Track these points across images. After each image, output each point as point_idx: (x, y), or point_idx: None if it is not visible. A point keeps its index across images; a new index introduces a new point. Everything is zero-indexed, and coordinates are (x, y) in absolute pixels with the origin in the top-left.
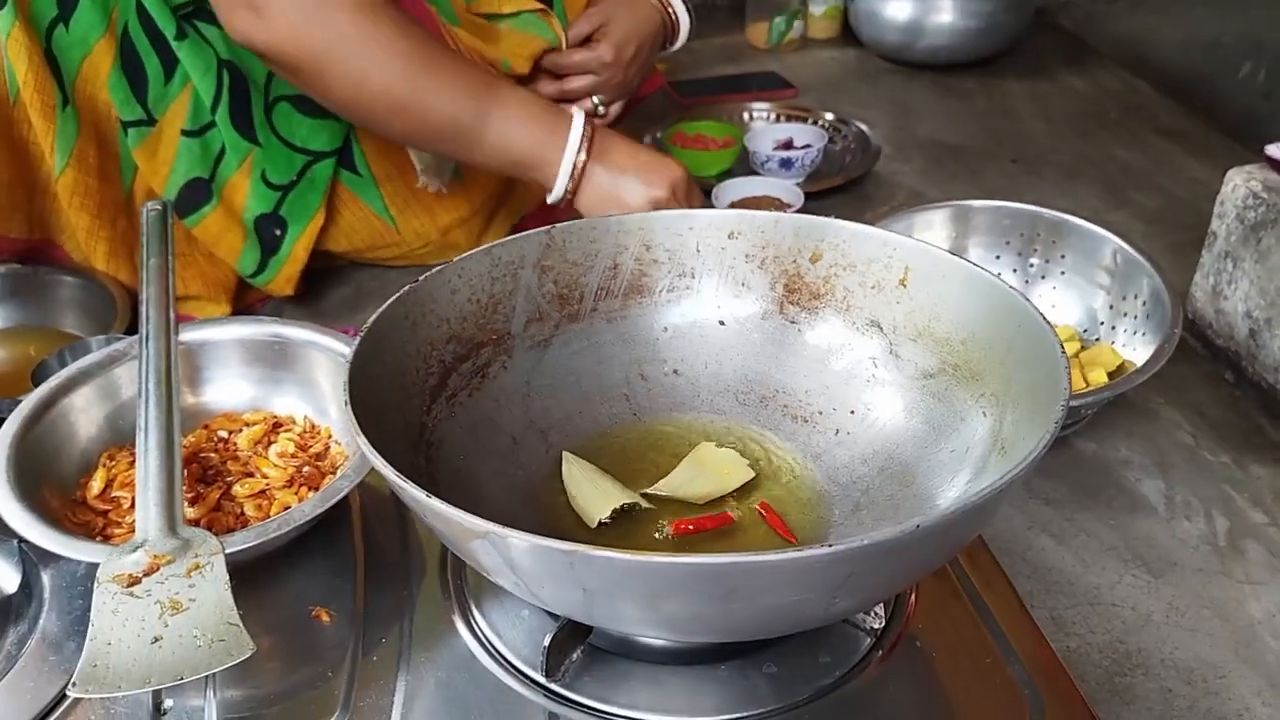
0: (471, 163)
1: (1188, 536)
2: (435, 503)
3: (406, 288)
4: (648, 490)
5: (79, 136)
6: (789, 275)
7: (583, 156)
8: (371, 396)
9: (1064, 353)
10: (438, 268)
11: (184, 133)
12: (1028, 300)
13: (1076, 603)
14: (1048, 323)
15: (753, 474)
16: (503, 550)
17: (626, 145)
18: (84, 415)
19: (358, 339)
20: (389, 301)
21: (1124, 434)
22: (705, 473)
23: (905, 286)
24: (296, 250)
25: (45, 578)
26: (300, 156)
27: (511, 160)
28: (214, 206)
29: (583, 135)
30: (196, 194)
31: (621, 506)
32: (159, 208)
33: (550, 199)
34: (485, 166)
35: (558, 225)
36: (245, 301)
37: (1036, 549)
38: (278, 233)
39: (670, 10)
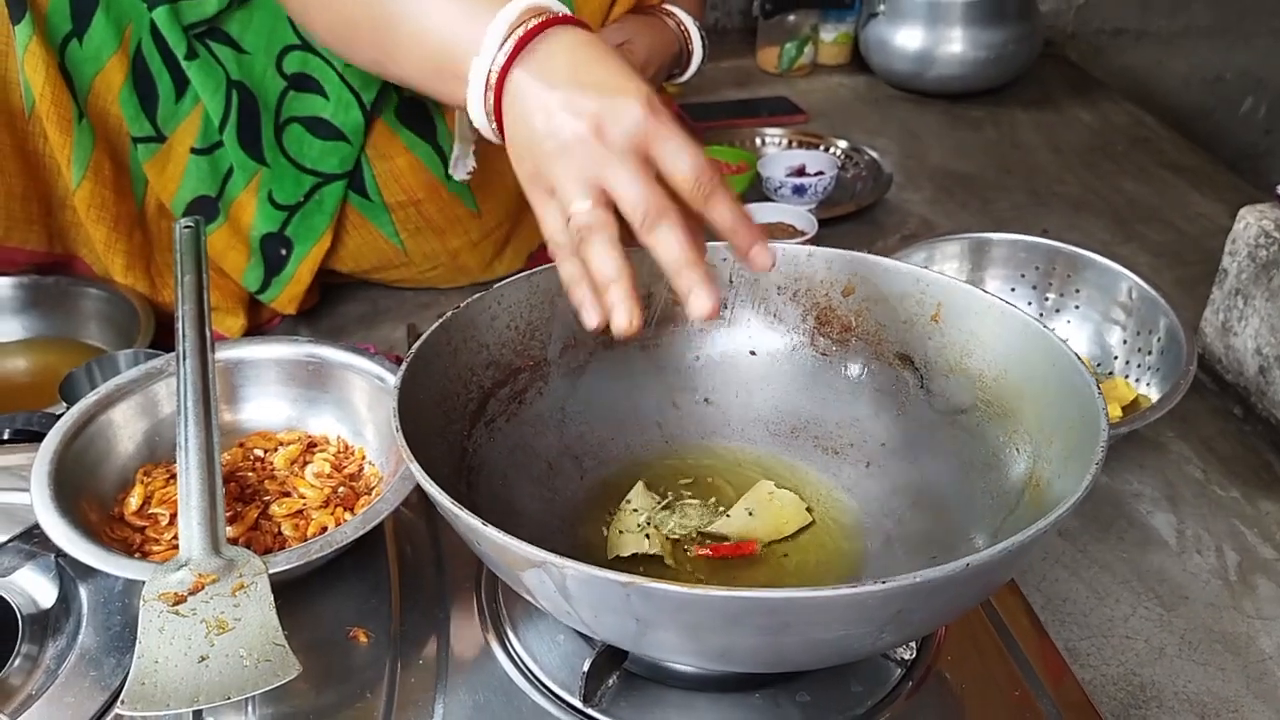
0: (398, 77)
1: (1199, 570)
2: (492, 532)
3: (449, 313)
4: (708, 529)
5: (94, 149)
6: (821, 308)
7: (501, 58)
8: (417, 422)
9: (1099, 393)
10: (478, 295)
11: (193, 150)
12: (1062, 341)
13: (1090, 634)
14: (1083, 363)
15: (810, 519)
16: (557, 580)
17: (586, 52)
18: (122, 431)
19: (404, 365)
20: (432, 328)
21: (1135, 466)
22: (762, 515)
23: (938, 322)
24: (301, 271)
25: (83, 593)
26: (309, 178)
27: (430, 62)
28: (220, 224)
29: (510, 27)
30: (202, 209)
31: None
32: (192, 224)
33: (473, 120)
34: (409, 77)
35: None
36: (261, 317)
37: (1050, 579)
38: (283, 252)
39: (687, 39)
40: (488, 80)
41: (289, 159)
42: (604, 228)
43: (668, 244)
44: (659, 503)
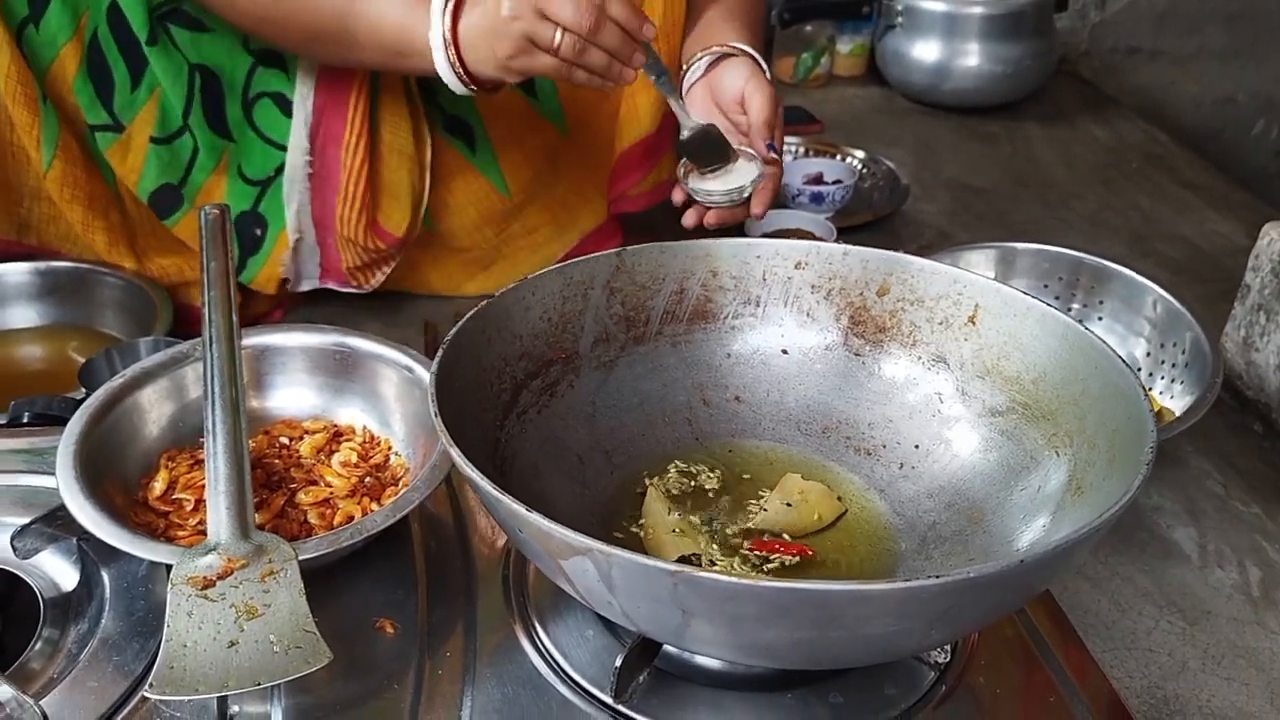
0: (358, 63)
1: (1221, 585)
2: (536, 518)
3: (484, 302)
4: (748, 525)
5: (60, 129)
6: (855, 307)
7: (449, 20)
8: (451, 410)
9: (1146, 395)
10: (512, 285)
11: (153, 140)
12: (1105, 342)
13: (1114, 646)
14: (1127, 365)
15: (844, 508)
16: (602, 568)
17: None
18: (148, 415)
19: (439, 352)
20: (467, 316)
21: (1154, 480)
22: (798, 507)
23: (974, 324)
24: (278, 249)
25: (105, 577)
26: (279, 152)
27: (390, 47)
28: (185, 211)
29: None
30: (167, 198)
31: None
32: (217, 211)
33: (440, 71)
34: (370, 64)
35: (628, 248)
36: (257, 309)
37: (1073, 591)
38: (258, 232)
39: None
40: (445, 40)
41: (258, 133)
42: (584, 30)
43: (609, 36)
44: (677, 508)
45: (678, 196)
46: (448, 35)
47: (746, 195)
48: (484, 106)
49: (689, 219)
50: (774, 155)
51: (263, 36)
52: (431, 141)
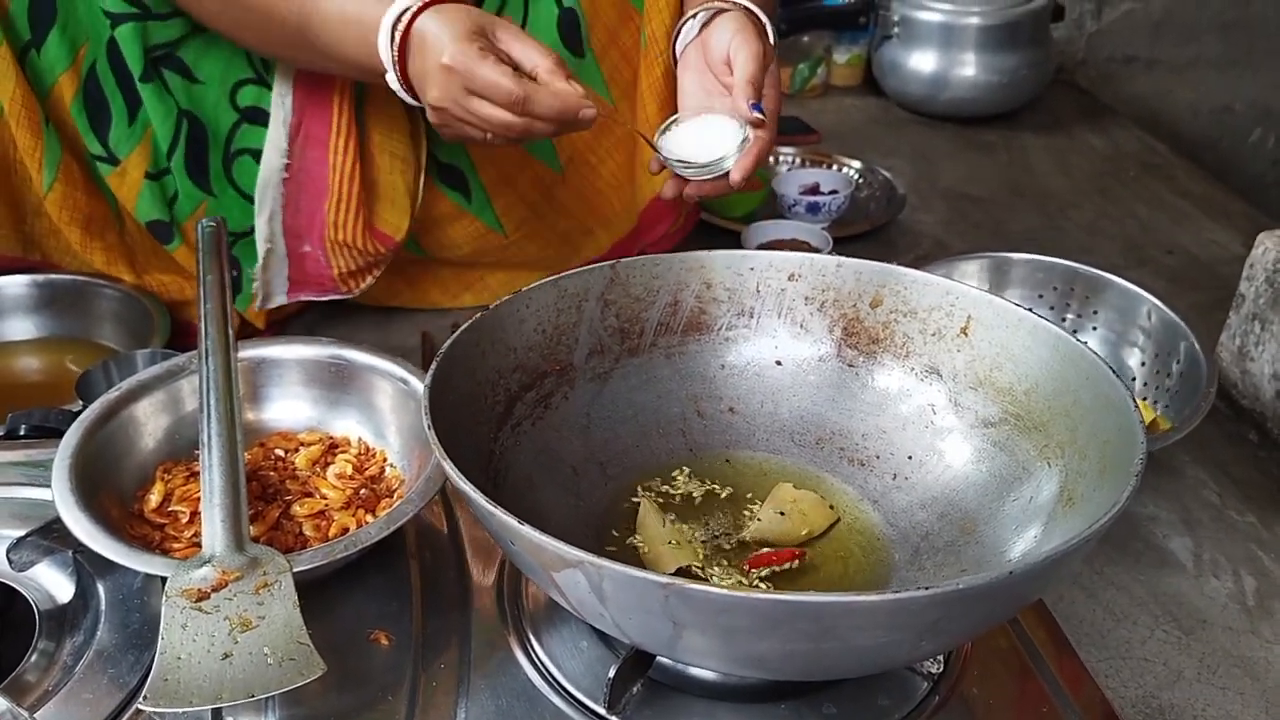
0: (325, 70)
1: (1216, 594)
2: (529, 530)
3: (478, 315)
4: (743, 537)
5: (63, 152)
6: (848, 319)
7: (402, 28)
8: (446, 422)
9: (1136, 406)
10: (507, 297)
11: (147, 175)
12: (1096, 354)
13: (1109, 656)
14: (1118, 376)
15: (837, 516)
16: (594, 580)
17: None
18: (144, 427)
19: (434, 365)
20: (461, 329)
21: (1149, 489)
22: (790, 516)
23: (967, 335)
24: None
25: (101, 589)
26: (256, 208)
27: (349, 61)
28: (180, 244)
29: (396, 16)
30: (160, 232)
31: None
32: (213, 225)
33: (392, 85)
34: (335, 72)
35: (622, 260)
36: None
37: (1067, 601)
38: (235, 274)
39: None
40: (400, 86)
41: (237, 190)
42: (512, 136)
43: (542, 128)
44: (671, 519)
45: (654, 166)
46: (400, 81)
47: (728, 166)
48: (475, 151)
49: (668, 189)
50: (758, 116)
51: (245, 41)
52: (426, 189)
